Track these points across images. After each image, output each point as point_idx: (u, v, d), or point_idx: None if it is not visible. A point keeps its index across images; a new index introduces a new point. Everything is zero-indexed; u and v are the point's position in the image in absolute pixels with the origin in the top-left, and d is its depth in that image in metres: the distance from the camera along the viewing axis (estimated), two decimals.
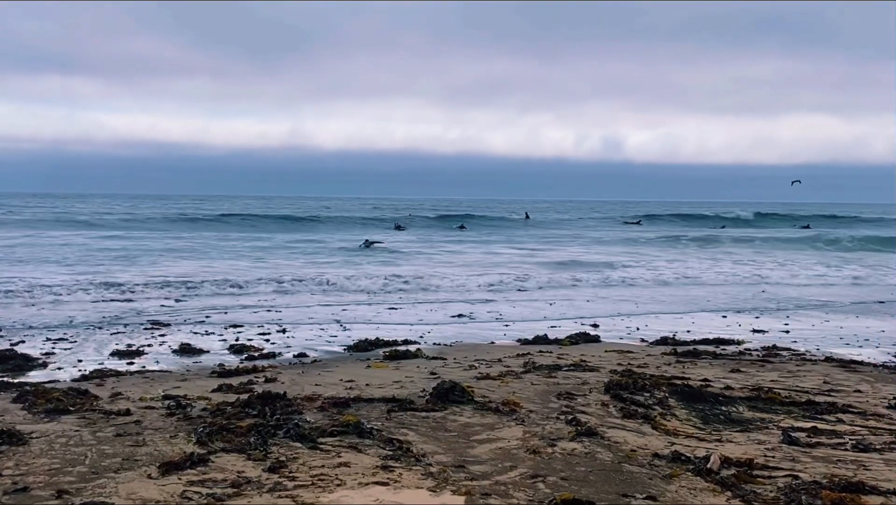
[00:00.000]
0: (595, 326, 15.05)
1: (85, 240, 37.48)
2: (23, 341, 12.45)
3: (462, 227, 58.37)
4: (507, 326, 15.15)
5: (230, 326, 14.39)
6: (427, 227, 58.79)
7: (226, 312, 16.16)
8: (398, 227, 56.66)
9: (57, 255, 29.10)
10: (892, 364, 11.27)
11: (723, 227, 64.43)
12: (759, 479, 5.88)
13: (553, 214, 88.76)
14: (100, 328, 13.97)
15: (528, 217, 73.15)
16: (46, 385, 9.11)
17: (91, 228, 47.28)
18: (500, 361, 10.97)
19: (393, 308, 17.35)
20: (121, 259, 27.94)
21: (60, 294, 18.20)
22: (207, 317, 15.49)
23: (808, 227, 63.92)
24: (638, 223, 69.14)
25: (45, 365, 10.88)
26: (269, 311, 16.53)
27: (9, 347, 11.75)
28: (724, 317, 16.66)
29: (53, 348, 12.02)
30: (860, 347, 13.02)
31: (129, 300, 17.75)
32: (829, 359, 11.44)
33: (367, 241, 38.01)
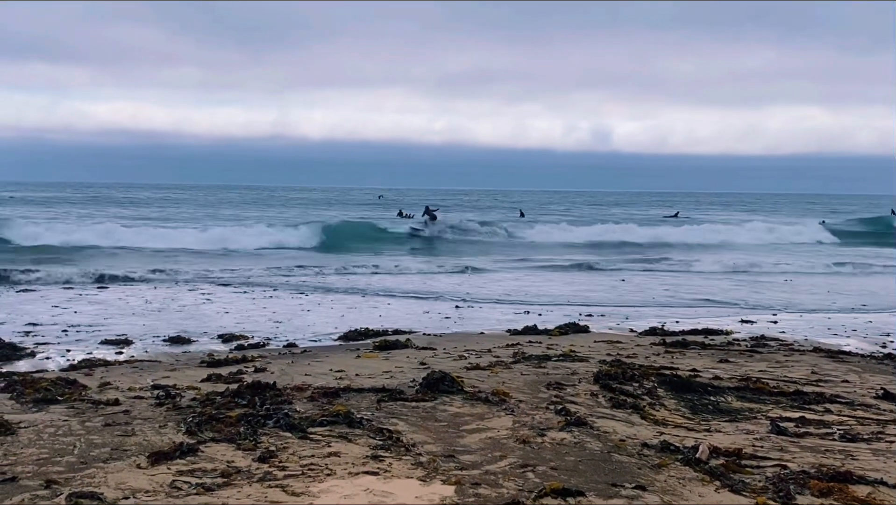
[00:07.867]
0: (586, 315, 15.07)
1: None
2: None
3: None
4: (497, 315, 15.16)
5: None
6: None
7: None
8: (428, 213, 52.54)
9: None
10: (880, 354, 11.32)
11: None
12: (747, 468, 5.91)
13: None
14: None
15: (522, 215, 59.41)
16: (35, 375, 9.07)
17: None
18: (489, 351, 10.97)
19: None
20: None
21: None
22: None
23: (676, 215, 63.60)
24: (675, 215, 65.70)
25: (33, 354, 10.84)
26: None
27: None
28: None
29: (43, 338, 11.97)
30: (848, 337, 13.08)
31: None
32: (816, 349, 11.49)
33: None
